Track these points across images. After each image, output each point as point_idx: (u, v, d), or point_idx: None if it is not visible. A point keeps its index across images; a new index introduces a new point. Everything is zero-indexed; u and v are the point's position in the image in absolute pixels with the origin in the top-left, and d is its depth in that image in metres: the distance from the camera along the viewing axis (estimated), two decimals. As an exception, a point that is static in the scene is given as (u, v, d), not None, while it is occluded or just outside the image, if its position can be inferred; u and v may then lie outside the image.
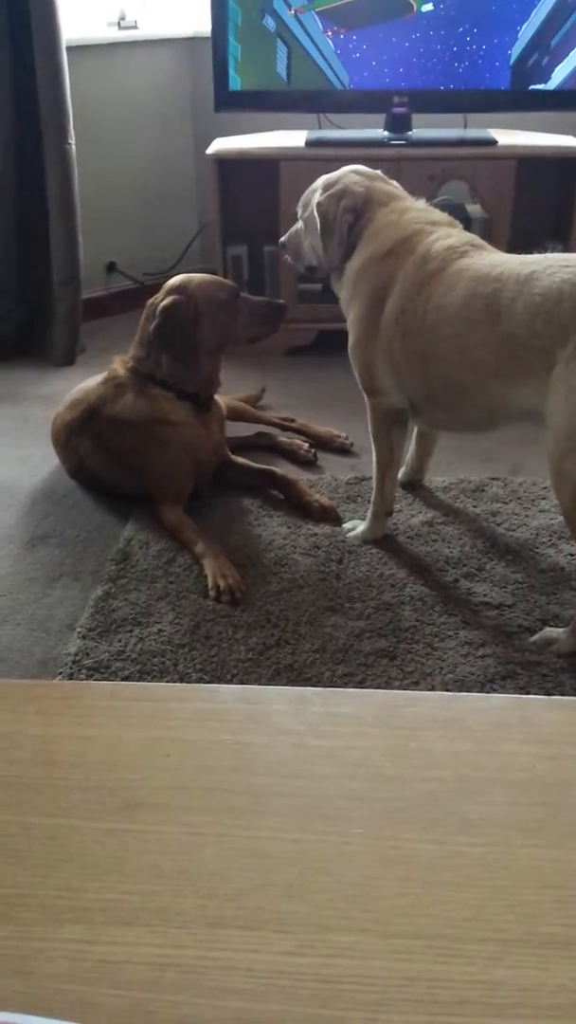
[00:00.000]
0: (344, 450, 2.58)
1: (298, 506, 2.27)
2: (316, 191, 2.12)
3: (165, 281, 2.30)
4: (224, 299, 2.25)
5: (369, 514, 2.15)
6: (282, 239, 2.31)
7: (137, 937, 0.59)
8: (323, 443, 2.61)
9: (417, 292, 1.90)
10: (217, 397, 2.39)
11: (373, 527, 2.14)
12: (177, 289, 2.22)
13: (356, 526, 2.17)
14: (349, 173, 2.11)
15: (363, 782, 0.70)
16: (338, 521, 2.23)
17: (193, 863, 0.63)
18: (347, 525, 2.19)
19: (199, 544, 2.08)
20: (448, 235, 1.94)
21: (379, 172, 2.14)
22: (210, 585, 1.97)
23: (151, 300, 2.26)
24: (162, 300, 2.22)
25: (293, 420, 2.67)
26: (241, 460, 2.42)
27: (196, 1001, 0.55)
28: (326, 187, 2.10)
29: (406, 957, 0.57)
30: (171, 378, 2.25)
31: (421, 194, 3.04)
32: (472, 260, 1.86)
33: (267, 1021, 0.54)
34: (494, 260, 1.85)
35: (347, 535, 2.16)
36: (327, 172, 3.03)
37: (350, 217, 2.03)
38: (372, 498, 2.14)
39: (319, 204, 2.08)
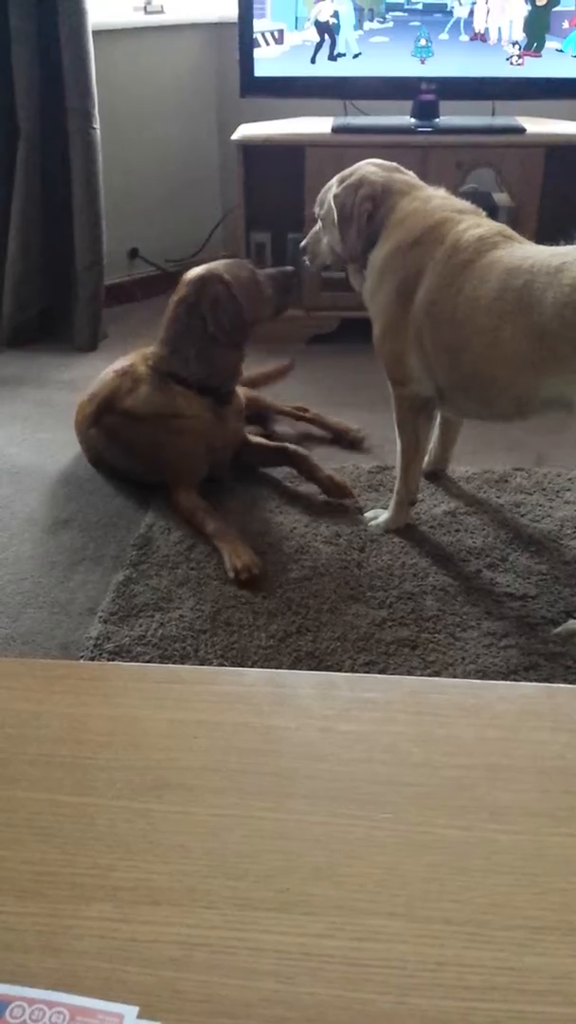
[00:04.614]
0: (355, 444, 2.56)
1: (311, 480, 2.27)
2: (332, 187, 2.11)
3: (188, 268, 2.29)
4: (248, 276, 2.22)
5: (392, 503, 2.14)
6: (302, 243, 2.29)
7: (165, 916, 0.59)
8: (336, 436, 2.59)
9: (449, 283, 1.88)
10: (237, 388, 2.37)
11: (396, 516, 2.13)
12: (206, 279, 2.20)
13: (378, 515, 2.16)
14: (366, 165, 2.09)
15: (391, 767, 0.70)
16: (351, 496, 2.23)
17: (221, 844, 0.63)
18: (369, 514, 2.19)
19: (211, 525, 2.09)
20: (477, 224, 1.92)
21: (396, 164, 2.12)
22: (227, 567, 1.98)
23: (178, 298, 2.23)
24: (194, 294, 2.19)
25: (307, 410, 2.66)
26: (256, 439, 2.41)
27: (225, 981, 0.55)
28: (342, 180, 2.08)
29: (436, 942, 0.57)
30: (196, 374, 2.22)
31: (448, 182, 3.03)
32: (504, 252, 1.84)
33: (296, 1003, 0.54)
34: (526, 252, 1.83)
35: (369, 524, 2.15)
36: (353, 159, 3.02)
37: (369, 205, 2.01)
38: (396, 487, 2.13)
39: (336, 196, 2.07)
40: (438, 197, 2.01)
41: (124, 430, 2.27)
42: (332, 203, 2.07)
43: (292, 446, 2.36)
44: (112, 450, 2.34)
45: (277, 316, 2.33)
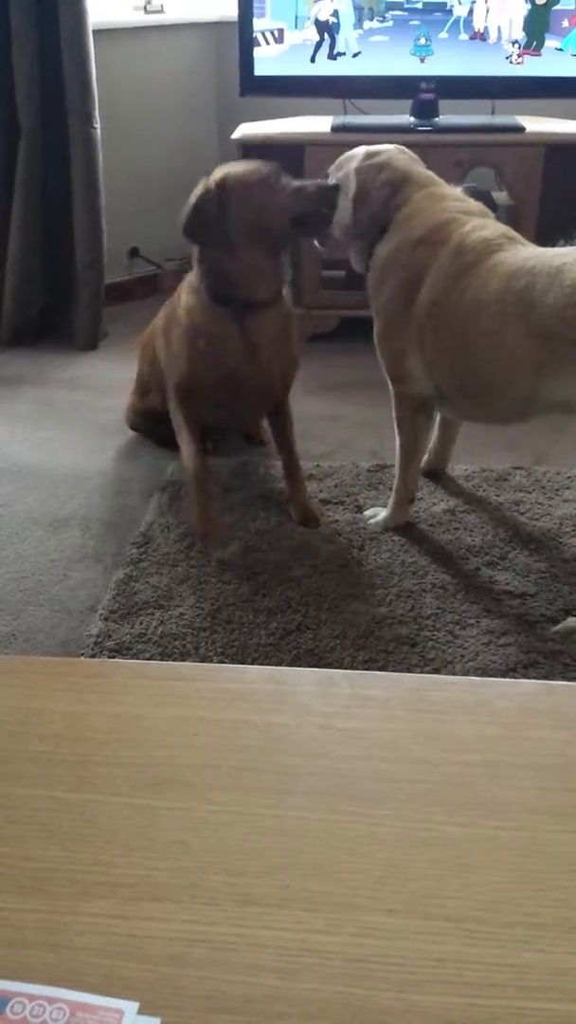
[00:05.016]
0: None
1: (290, 500, 2.21)
2: (356, 157, 2.08)
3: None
4: (256, 180, 2.03)
5: (391, 501, 2.14)
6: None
7: (166, 913, 0.59)
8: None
9: (452, 284, 1.87)
10: (288, 312, 2.18)
11: (395, 514, 2.13)
12: (204, 182, 2.06)
13: (377, 513, 2.16)
14: (393, 148, 2.09)
15: (391, 764, 0.70)
16: (315, 524, 2.15)
17: (221, 841, 0.63)
18: (368, 512, 2.19)
19: (192, 462, 2.11)
20: (483, 226, 1.92)
21: (417, 157, 2.13)
22: (189, 521, 2.06)
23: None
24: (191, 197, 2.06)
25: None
26: (288, 433, 2.28)
27: (225, 977, 0.55)
28: (368, 155, 2.06)
29: (436, 938, 0.57)
30: (206, 281, 2.09)
31: (448, 181, 3.02)
32: (507, 254, 1.84)
33: (296, 999, 0.54)
34: (528, 254, 1.83)
35: (368, 522, 2.15)
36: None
37: (387, 192, 2.00)
38: (395, 485, 2.13)
39: (358, 170, 2.04)
40: (451, 197, 2.01)
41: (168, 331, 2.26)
42: (353, 175, 2.04)
43: (297, 462, 2.26)
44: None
45: (303, 230, 2.11)
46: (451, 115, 3.07)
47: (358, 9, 2.99)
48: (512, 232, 1.94)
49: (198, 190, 2.04)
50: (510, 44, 3.00)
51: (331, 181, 2.10)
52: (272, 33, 3.03)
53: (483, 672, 1.69)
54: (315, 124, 3.12)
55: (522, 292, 1.76)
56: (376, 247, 2.02)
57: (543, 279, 1.74)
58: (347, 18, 3.00)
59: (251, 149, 3.04)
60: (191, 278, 2.16)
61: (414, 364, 1.98)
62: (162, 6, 3.51)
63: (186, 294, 2.18)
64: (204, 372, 2.14)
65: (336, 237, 2.12)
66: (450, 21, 2.98)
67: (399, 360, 2.01)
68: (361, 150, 2.09)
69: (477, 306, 1.83)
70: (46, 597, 1.95)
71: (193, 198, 2.04)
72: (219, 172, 2.07)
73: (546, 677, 1.67)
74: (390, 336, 2.01)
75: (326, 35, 3.03)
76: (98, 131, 3.06)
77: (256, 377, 2.14)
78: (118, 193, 3.31)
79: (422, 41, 3.00)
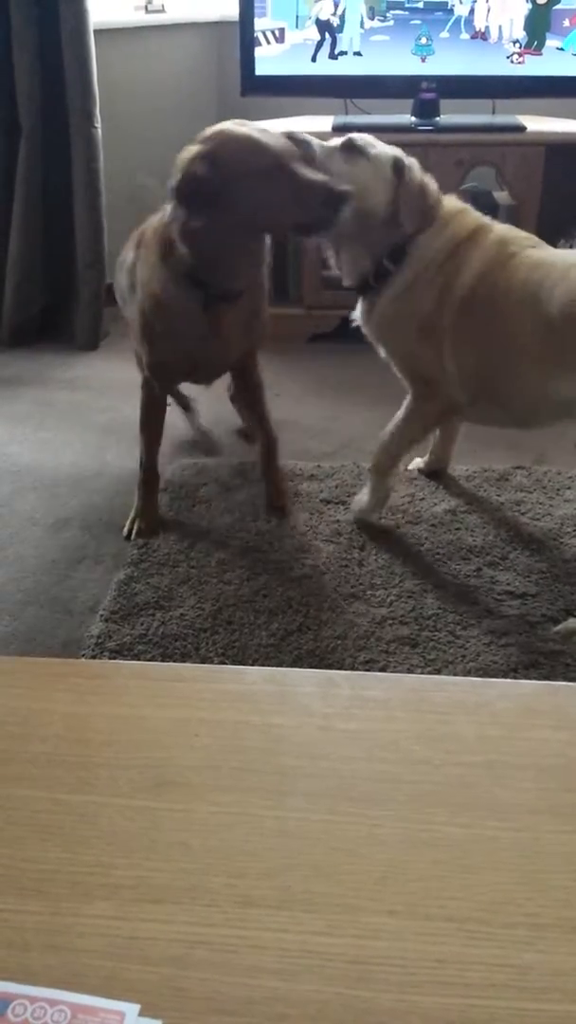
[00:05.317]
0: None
1: (264, 474, 2.23)
2: (376, 145, 1.92)
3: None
4: (256, 169, 1.74)
5: (369, 487, 2.12)
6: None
7: (167, 914, 0.59)
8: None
9: (490, 273, 1.86)
10: (260, 292, 2.02)
11: (376, 493, 2.11)
12: (208, 146, 1.78)
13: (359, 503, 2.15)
14: (404, 157, 1.93)
15: (392, 765, 0.70)
16: (284, 513, 2.19)
17: (222, 842, 0.63)
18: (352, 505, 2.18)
19: (147, 454, 2.14)
20: (512, 228, 1.96)
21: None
22: (130, 518, 2.11)
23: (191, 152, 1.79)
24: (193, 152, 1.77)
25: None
26: (261, 403, 2.22)
27: (226, 979, 0.55)
28: (405, 169, 1.90)
29: (437, 939, 0.57)
30: (184, 257, 1.84)
31: (449, 180, 3.01)
32: (543, 251, 1.88)
33: (297, 1000, 0.54)
34: (558, 252, 1.88)
35: (352, 511, 2.15)
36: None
37: (429, 201, 1.91)
38: (377, 461, 2.08)
39: (408, 165, 1.89)
40: (469, 208, 2.01)
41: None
42: (399, 161, 1.89)
43: (272, 434, 2.25)
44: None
45: (299, 232, 1.89)
46: (452, 114, 3.08)
47: (370, 8, 2.99)
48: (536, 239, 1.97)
49: (189, 152, 1.78)
50: (511, 43, 3.00)
51: (341, 165, 1.88)
52: (273, 33, 3.03)
53: (484, 673, 1.69)
54: (316, 124, 3.12)
55: (537, 284, 1.78)
56: (409, 248, 1.92)
57: (556, 272, 1.77)
58: (354, 16, 3.00)
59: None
60: (155, 238, 1.91)
61: (449, 366, 1.95)
62: (163, 6, 3.51)
63: (150, 264, 1.93)
64: (165, 353, 2.01)
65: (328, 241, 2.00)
66: (451, 20, 2.98)
67: (435, 362, 1.95)
68: (387, 154, 1.91)
69: (506, 296, 1.83)
70: (46, 598, 1.95)
71: (183, 162, 1.77)
72: (215, 135, 1.80)
73: (547, 677, 1.67)
74: (429, 340, 1.94)
75: (327, 34, 3.03)
76: (99, 131, 3.06)
77: (218, 357, 2.06)
78: (119, 193, 3.31)
79: (423, 40, 3.00)
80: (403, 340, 2.00)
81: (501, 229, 1.94)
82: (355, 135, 1.94)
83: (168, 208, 1.85)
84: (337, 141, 1.95)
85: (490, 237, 1.91)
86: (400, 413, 2.07)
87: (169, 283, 1.90)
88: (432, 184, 1.95)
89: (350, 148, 1.92)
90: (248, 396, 2.25)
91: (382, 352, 2.07)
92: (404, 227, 1.91)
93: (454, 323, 1.90)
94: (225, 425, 2.60)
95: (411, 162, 1.93)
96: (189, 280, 1.87)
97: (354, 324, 2.09)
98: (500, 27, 2.99)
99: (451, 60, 3.01)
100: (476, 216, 1.97)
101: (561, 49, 2.99)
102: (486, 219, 1.97)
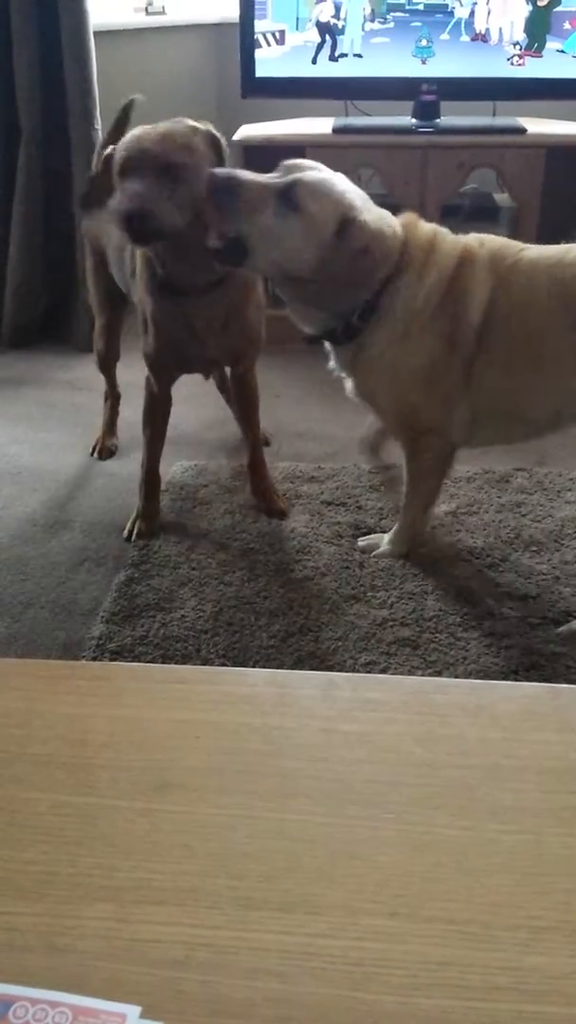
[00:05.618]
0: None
1: (254, 491, 2.23)
2: (324, 195, 1.66)
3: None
4: (180, 163, 1.73)
5: (399, 531, 2.01)
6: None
7: (168, 916, 0.59)
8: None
9: (501, 289, 1.74)
10: (241, 293, 1.94)
11: (402, 545, 2.01)
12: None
13: (375, 543, 2.06)
14: (355, 192, 1.73)
15: (393, 767, 0.70)
16: (280, 515, 2.18)
17: (223, 844, 0.63)
18: (364, 543, 2.06)
19: (148, 453, 2.14)
20: (482, 235, 1.84)
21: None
22: (131, 519, 2.13)
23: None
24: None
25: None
26: (253, 412, 2.21)
27: (227, 981, 0.55)
28: (365, 205, 1.71)
29: (438, 942, 0.57)
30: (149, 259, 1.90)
31: (449, 182, 3.03)
32: (536, 250, 1.78)
33: (298, 1003, 0.54)
34: (550, 247, 1.80)
35: (372, 554, 2.03)
36: (354, 159, 3.03)
37: (385, 270, 1.73)
38: (404, 521, 2.00)
39: (353, 217, 1.66)
40: (427, 226, 1.82)
41: None
42: (346, 218, 1.66)
43: (259, 446, 2.25)
44: None
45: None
46: (452, 116, 3.08)
47: (370, 11, 2.99)
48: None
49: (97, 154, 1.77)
50: (511, 45, 3.00)
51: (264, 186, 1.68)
52: (273, 34, 3.04)
53: (485, 675, 1.69)
54: (316, 126, 3.12)
55: (556, 280, 1.72)
56: (394, 299, 1.76)
57: (570, 258, 1.71)
58: (356, 18, 3.00)
59: (252, 150, 3.05)
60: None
61: (461, 409, 1.83)
62: (163, 7, 3.52)
63: (140, 255, 1.97)
64: (153, 344, 2.03)
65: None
66: (451, 23, 2.98)
67: (444, 410, 1.85)
68: (331, 209, 1.66)
69: (527, 307, 1.75)
70: (47, 599, 1.95)
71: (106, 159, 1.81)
72: (125, 139, 1.80)
73: (548, 679, 1.67)
74: (435, 388, 1.82)
75: (327, 36, 3.04)
76: (99, 132, 3.06)
77: (198, 352, 2.03)
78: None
79: (423, 43, 3.00)
80: (402, 394, 1.85)
81: (487, 247, 1.79)
82: (306, 175, 1.68)
83: None
84: (281, 180, 1.69)
85: (479, 261, 1.76)
86: (406, 479, 1.97)
87: (145, 276, 1.95)
88: (389, 226, 1.74)
89: (286, 198, 1.66)
90: (242, 405, 2.24)
91: (370, 408, 1.95)
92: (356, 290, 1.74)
93: (473, 359, 1.77)
94: (225, 426, 2.60)
95: (364, 216, 1.68)
96: (161, 280, 1.92)
97: (334, 375, 1.94)
98: (500, 29, 2.99)
99: (451, 62, 3.02)
100: (452, 242, 1.80)
101: (562, 51, 3.00)
102: (463, 240, 1.81)
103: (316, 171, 1.72)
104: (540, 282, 1.74)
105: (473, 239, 1.82)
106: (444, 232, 1.82)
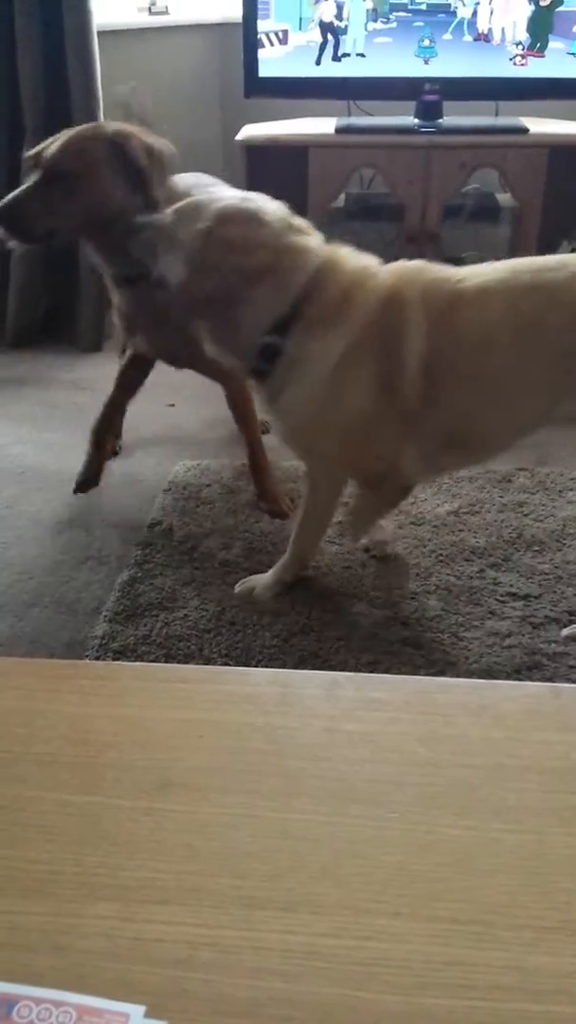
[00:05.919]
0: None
1: (256, 486, 2.23)
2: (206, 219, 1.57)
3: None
4: (67, 170, 1.83)
5: (284, 563, 1.89)
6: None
7: (172, 916, 0.59)
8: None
9: (444, 322, 1.58)
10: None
11: (283, 576, 1.89)
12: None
13: (251, 584, 1.91)
14: (254, 207, 1.61)
15: (396, 767, 0.70)
16: (283, 516, 2.18)
17: (227, 844, 0.63)
18: (240, 588, 1.91)
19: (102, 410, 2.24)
20: (420, 264, 1.66)
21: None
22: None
23: None
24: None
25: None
26: (246, 413, 2.19)
27: (231, 980, 0.55)
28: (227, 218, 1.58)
29: (441, 941, 0.57)
30: None
31: (452, 182, 3.02)
32: (470, 273, 1.61)
33: (302, 1002, 0.54)
34: (497, 270, 1.62)
35: (252, 595, 1.89)
36: (356, 159, 3.03)
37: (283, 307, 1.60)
38: (293, 549, 1.88)
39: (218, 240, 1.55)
40: (342, 254, 1.66)
41: None
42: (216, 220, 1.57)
43: (256, 442, 2.23)
44: None
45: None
46: (455, 116, 3.08)
47: (373, 11, 2.99)
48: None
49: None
50: (514, 45, 3.00)
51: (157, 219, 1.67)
52: (276, 34, 3.04)
53: (488, 674, 1.69)
54: (319, 126, 3.12)
55: (534, 313, 1.57)
56: (307, 347, 1.61)
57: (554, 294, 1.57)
58: (359, 17, 3.00)
59: (255, 150, 3.05)
60: None
61: (408, 448, 1.69)
62: (166, 7, 3.52)
63: None
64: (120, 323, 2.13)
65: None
66: (454, 22, 2.98)
67: (388, 451, 1.70)
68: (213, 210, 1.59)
69: (484, 343, 1.59)
70: (50, 599, 1.95)
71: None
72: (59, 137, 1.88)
73: (551, 679, 1.67)
74: (370, 437, 1.68)
75: (330, 36, 3.03)
76: (102, 132, 3.06)
77: (162, 351, 2.09)
78: (122, 194, 3.31)
79: (426, 43, 3.00)
80: (328, 447, 1.72)
81: (418, 283, 1.61)
82: (193, 200, 1.66)
83: None
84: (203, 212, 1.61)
85: (413, 288, 1.59)
86: (301, 509, 1.86)
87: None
88: (287, 241, 1.59)
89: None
90: (235, 410, 2.25)
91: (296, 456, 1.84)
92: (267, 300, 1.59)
93: (422, 397, 1.60)
94: (227, 425, 2.60)
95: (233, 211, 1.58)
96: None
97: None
98: (503, 29, 2.99)
99: (454, 62, 3.02)
100: (374, 273, 1.63)
101: (572, 54, 2.99)
102: (385, 269, 1.65)
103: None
104: (494, 317, 1.57)
105: (400, 275, 1.63)
106: (370, 268, 1.65)
